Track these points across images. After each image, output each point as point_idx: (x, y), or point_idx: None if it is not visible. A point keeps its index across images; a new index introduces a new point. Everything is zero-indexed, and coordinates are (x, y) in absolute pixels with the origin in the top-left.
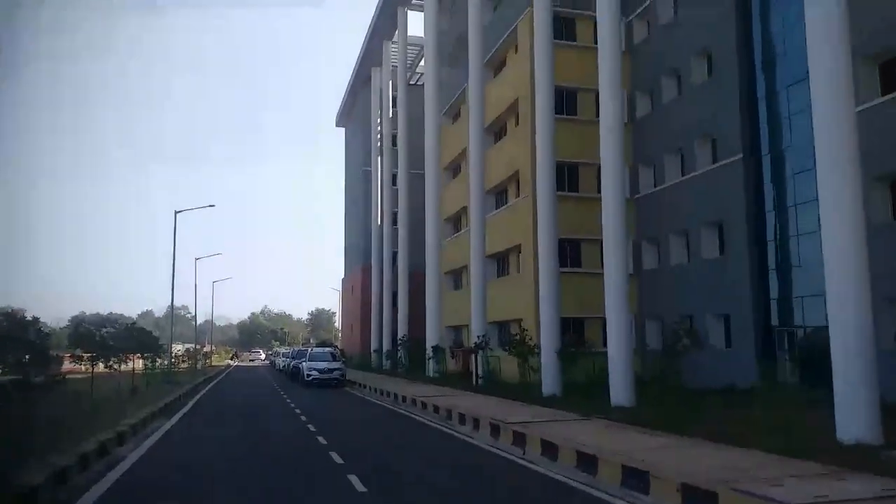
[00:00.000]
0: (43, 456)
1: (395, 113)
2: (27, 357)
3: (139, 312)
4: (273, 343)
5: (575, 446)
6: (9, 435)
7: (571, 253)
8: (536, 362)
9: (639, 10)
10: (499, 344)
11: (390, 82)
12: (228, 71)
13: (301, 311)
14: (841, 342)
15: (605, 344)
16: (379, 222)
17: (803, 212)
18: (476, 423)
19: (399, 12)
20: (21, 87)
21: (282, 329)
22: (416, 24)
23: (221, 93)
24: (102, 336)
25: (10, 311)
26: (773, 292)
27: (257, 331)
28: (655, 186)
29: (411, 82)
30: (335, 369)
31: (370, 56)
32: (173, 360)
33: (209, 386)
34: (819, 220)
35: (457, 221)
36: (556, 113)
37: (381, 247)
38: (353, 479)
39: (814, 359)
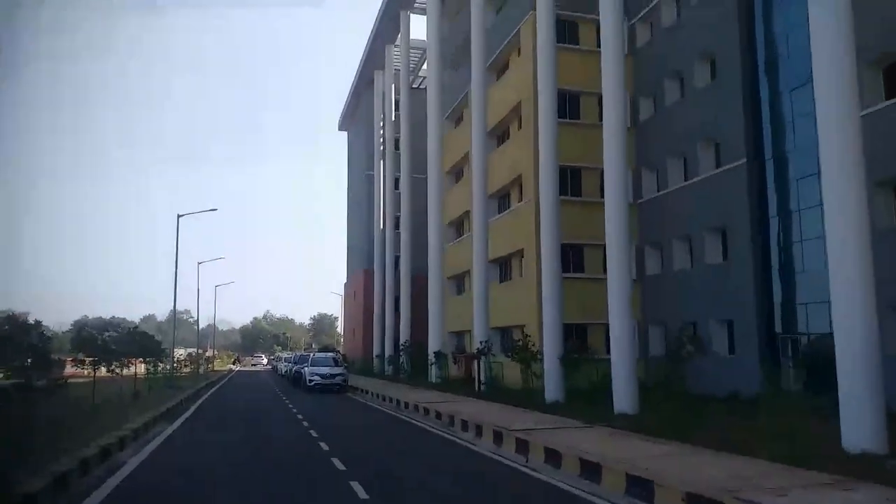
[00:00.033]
0: (43, 460)
1: (397, 116)
2: (29, 361)
3: (142, 317)
4: (275, 348)
5: (578, 454)
6: (9, 439)
7: (574, 258)
8: (539, 368)
9: (642, 14)
10: (501, 350)
11: (393, 86)
12: (229, 71)
13: (303, 316)
14: (846, 349)
15: (608, 350)
16: (381, 226)
17: (807, 217)
18: (479, 430)
19: (401, 16)
20: (21, 87)
21: (284, 334)
22: (418, 27)
23: (222, 92)
24: (104, 340)
25: (12, 314)
26: (777, 298)
27: (260, 335)
28: (658, 191)
29: (414, 86)
30: (337, 374)
31: (372, 59)
32: (175, 364)
33: (211, 391)
34: (823, 225)
35: (459, 226)
36: (559, 116)
37: (383, 251)
38: (356, 485)
39: (818, 366)
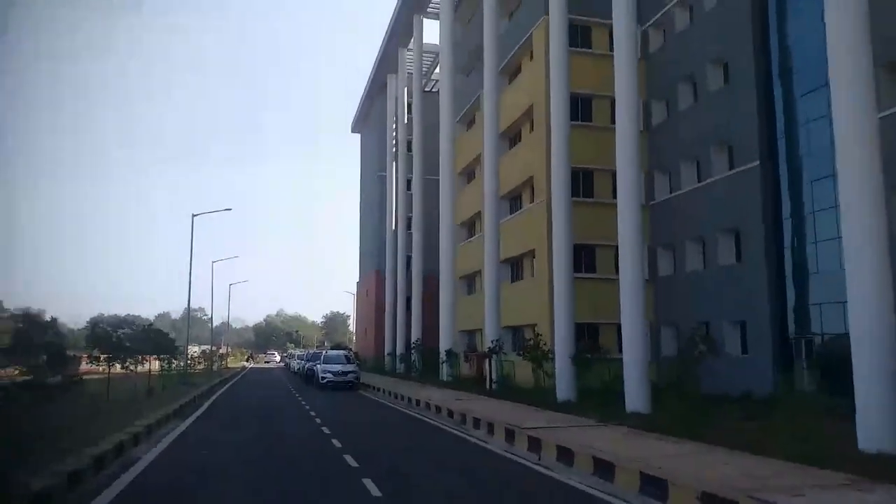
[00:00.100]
0: (57, 456)
1: (410, 119)
2: (44, 358)
3: (156, 314)
4: (288, 345)
5: (591, 452)
6: (23, 435)
7: (586, 258)
8: (551, 367)
9: (654, 19)
10: (513, 349)
11: (406, 89)
12: (230, 70)
13: (316, 314)
14: (863, 350)
15: (620, 350)
16: (393, 227)
17: (820, 218)
18: (490, 428)
19: (415, 19)
20: (21, 87)
21: (297, 331)
22: (431, 31)
23: (231, 92)
24: (119, 337)
25: (29, 311)
26: (791, 299)
27: (273, 333)
28: (671, 193)
29: (426, 89)
30: (349, 372)
31: (386, 63)
32: (189, 361)
33: (225, 388)
34: (837, 227)
35: (471, 226)
36: (571, 119)
37: (395, 251)
38: (368, 482)
39: (832, 367)
